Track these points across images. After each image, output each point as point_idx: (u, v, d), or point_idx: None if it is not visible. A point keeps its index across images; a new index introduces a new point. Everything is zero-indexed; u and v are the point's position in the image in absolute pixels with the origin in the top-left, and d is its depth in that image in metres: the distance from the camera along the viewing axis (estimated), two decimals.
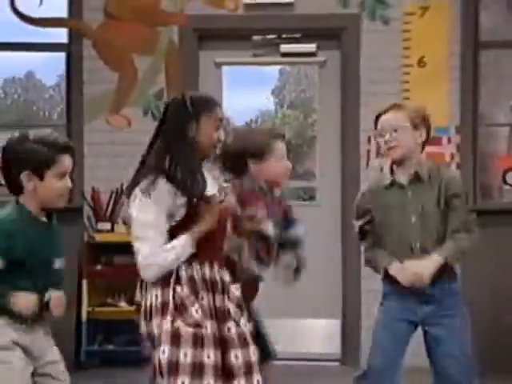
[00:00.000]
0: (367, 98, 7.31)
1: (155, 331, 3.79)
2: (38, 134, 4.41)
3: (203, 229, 3.88)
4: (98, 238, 7.13)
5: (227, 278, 4.02)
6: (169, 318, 3.75)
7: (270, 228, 4.27)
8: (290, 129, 15.34)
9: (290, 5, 7.37)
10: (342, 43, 7.48)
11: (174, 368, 3.73)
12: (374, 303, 4.70)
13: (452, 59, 7.30)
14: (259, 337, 4.34)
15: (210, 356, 3.75)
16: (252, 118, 12.66)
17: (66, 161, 3.77)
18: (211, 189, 4.03)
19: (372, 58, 7.35)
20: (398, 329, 4.47)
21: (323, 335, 7.69)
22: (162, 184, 3.83)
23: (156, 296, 3.81)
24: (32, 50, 8.11)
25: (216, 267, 3.96)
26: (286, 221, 4.56)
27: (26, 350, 3.81)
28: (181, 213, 3.89)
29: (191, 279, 3.86)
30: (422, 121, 4.51)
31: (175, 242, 3.86)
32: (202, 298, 3.85)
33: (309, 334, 7.60)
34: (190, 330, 3.73)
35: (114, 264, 7.25)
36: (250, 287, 4.40)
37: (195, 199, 3.88)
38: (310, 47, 7.56)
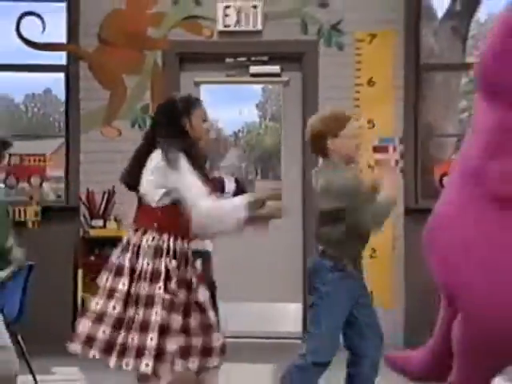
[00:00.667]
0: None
1: (143, 292, 3.85)
2: None
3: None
4: (92, 233, 7.16)
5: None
6: (160, 284, 3.82)
7: None
8: (271, 138, 15.49)
9: (258, 32, 7.45)
10: (302, 65, 7.57)
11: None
12: None
13: (396, 80, 7.40)
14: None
15: (176, 319, 3.83)
16: (239, 129, 12.65)
17: None
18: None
19: (328, 78, 7.42)
20: None
21: (288, 317, 7.66)
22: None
23: (148, 263, 3.87)
24: (35, 71, 8.09)
25: (186, 243, 4.03)
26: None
27: None
28: None
29: (176, 253, 3.93)
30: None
31: (233, 201, 4.04)
32: (179, 269, 3.93)
33: (275, 316, 7.58)
34: (168, 296, 3.81)
35: (105, 256, 7.19)
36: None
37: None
38: (275, 69, 7.65)
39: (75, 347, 3.90)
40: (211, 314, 4.06)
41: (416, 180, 7.31)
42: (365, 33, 7.49)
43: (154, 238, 3.91)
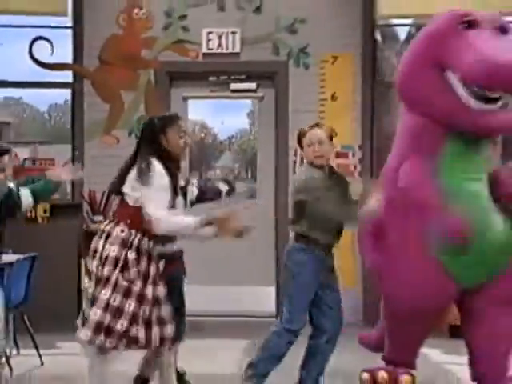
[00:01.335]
0: (294, 124, 7.29)
1: (105, 274, 3.90)
2: None
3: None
4: (93, 227, 6.93)
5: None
6: (117, 270, 3.87)
7: None
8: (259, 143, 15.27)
9: (236, 54, 7.45)
10: (275, 83, 7.57)
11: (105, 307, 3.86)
12: None
13: (355, 95, 7.42)
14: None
15: (131, 305, 3.86)
16: (233, 134, 12.66)
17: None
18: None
19: (297, 93, 7.44)
20: None
21: (262, 299, 7.58)
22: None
23: (113, 250, 3.90)
24: (45, 87, 8.18)
25: (152, 242, 4.04)
26: None
27: None
28: None
29: (140, 249, 3.96)
30: (331, 136, 4.69)
31: (193, 220, 3.93)
32: (139, 263, 3.93)
33: (251, 297, 7.51)
34: (125, 283, 3.86)
35: None
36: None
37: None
38: (252, 86, 7.66)
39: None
40: (166, 307, 4.04)
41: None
42: (328, 55, 7.49)
43: (123, 230, 3.95)
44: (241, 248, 7.02)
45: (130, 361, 4.36)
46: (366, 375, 4.61)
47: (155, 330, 3.97)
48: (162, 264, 4.13)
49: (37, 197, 4.37)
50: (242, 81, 7.71)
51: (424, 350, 4.79)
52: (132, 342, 3.92)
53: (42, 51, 7.57)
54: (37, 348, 5.68)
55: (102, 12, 7.55)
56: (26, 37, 7.62)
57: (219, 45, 7.51)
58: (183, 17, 7.55)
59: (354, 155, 7.50)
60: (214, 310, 7.22)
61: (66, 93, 7.97)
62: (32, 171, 7.73)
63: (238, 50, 7.51)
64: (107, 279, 3.89)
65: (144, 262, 3.96)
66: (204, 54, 7.54)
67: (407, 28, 9.36)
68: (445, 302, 4.47)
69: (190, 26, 7.54)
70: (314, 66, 7.49)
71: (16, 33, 8.21)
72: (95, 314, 3.88)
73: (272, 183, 7.66)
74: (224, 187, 4.84)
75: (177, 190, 4.09)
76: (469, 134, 4.31)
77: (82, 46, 7.61)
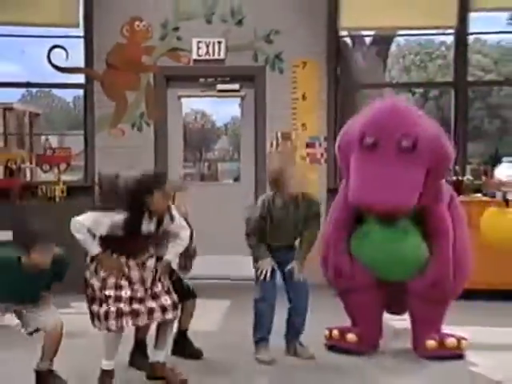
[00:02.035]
0: (270, 119, 7.46)
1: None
2: None
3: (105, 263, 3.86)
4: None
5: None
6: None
7: None
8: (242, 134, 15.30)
9: (222, 60, 7.44)
10: (255, 84, 7.54)
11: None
12: None
13: (321, 95, 7.43)
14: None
15: (126, 293, 3.81)
16: (228, 121, 12.68)
17: None
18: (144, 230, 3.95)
19: (273, 93, 7.44)
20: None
21: (243, 265, 7.57)
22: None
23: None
24: (62, 87, 8.23)
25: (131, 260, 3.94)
26: None
27: None
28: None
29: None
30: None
31: (90, 243, 3.85)
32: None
33: (234, 264, 7.24)
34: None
35: None
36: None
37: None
38: (235, 86, 7.66)
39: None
40: (157, 288, 3.97)
41: (336, 168, 7.23)
42: (299, 61, 7.48)
43: None
44: (226, 223, 7.07)
45: None
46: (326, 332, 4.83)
47: (151, 304, 3.90)
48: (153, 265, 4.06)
49: None
50: (226, 82, 7.70)
51: None
52: (134, 320, 3.84)
53: (59, 57, 7.56)
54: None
55: (109, 24, 7.53)
56: (45, 45, 7.63)
57: (207, 52, 7.50)
58: (176, 28, 7.53)
59: (320, 145, 7.52)
60: (204, 274, 7.23)
61: None
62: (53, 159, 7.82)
63: (223, 56, 7.49)
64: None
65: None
66: (194, 60, 7.53)
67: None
68: (368, 284, 4.62)
69: (183, 36, 7.52)
70: (287, 70, 7.48)
71: (36, 42, 8.18)
72: (96, 307, 3.85)
73: (252, 164, 7.66)
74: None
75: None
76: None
77: (92, 52, 7.60)
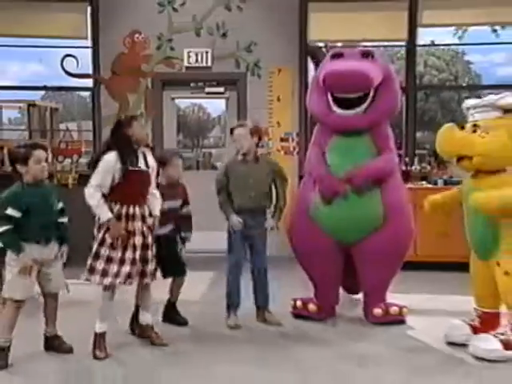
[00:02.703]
0: (251, 117, 7.04)
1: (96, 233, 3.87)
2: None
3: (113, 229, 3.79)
4: None
5: (146, 213, 3.98)
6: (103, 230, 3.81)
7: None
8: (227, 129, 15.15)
9: (209, 67, 7.41)
10: (237, 87, 7.52)
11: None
12: None
13: (294, 97, 7.43)
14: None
15: (118, 254, 3.81)
16: (221, 113, 12.68)
17: (39, 153, 3.68)
18: (141, 165, 3.92)
19: (253, 95, 7.44)
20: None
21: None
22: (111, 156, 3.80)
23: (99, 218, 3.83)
24: (73, 90, 8.23)
25: (137, 207, 3.89)
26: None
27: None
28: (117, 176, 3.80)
29: (118, 215, 3.83)
30: (255, 132, 4.51)
31: (103, 208, 3.78)
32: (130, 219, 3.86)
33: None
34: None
35: None
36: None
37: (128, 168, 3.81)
38: (221, 89, 7.63)
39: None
40: (149, 252, 3.99)
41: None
42: (274, 68, 7.48)
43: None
44: (213, 203, 7.08)
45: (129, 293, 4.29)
46: (292, 302, 4.83)
47: (139, 267, 3.92)
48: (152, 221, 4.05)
49: None
50: (213, 86, 7.66)
51: None
52: (125, 279, 3.85)
53: (71, 65, 7.52)
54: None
55: (113, 36, 7.49)
56: (59, 55, 7.59)
57: (196, 60, 7.46)
58: (170, 40, 7.50)
59: (293, 139, 7.54)
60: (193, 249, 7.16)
61: None
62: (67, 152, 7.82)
63: (210, 64, 7.46)
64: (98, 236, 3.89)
65: (124, 223, 3.85)
66: (186, 67, 7.50)
67: None
68: (326, 249, 4.57)
69: (175, 46, 7.49)
70: (264, 76, 7.48)
71: (51, 52, 8.19)
72: (95, 264, 3.87)
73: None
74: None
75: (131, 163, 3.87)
76: (346, 133, 4.49)
77: (98, 60, 7.58)
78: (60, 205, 3.98)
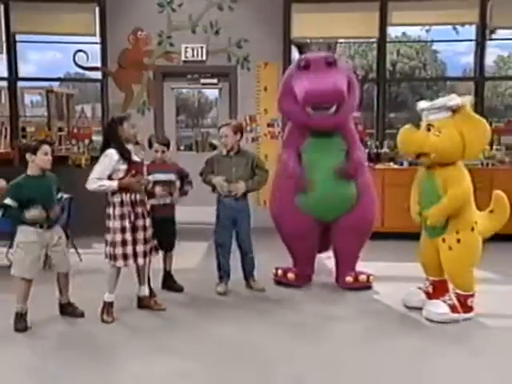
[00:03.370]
0: (241, 105, 7.44)
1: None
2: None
3: (125, 183, 3.83)
4: None
5: (142, 198, 4.00)
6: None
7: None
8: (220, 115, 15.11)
9: (204, 61, 7.37)
10: (229, 79, 7.48)
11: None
12: None
13: (279, 87, 7.26)
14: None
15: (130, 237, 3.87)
16: (216, 97, 12.59)
17: (46, 147, 3.73)
18: (135, 158, 3.96)
19: (242, 86, 7.42)
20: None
21: None
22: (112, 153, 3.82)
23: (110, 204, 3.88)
24: (84, 82, 8.16)
25: (137, 194, 3.93)
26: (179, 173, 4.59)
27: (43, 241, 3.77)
28: (122, 170, 3.84)
29: (122, 202, 3.87)
30: (237, 129, 4.53)
31: (106, 181, 3.80)
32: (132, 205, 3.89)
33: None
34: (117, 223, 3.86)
35: None
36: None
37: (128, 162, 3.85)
38: (214, 81, 7.60)
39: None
40: (148, 232, 4.03)
41: None
42: (261, 62, 7.44)
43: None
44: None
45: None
46: (274, 271, 4.90)
47: (141, 247, 3.96)
48: (147, 208, 4.10)
49: None
50: (208, 77, 7.63)
51: None
52: (125, 259, 3.92)
53: (82, 59, 7.50)
54: (76, 249, 5.67)
55: (118, 33, 7.44)
56: (71, 50, 7.55)
57: (192, 55, 7.42)
58: (169, 37, 7.44)
59: (278, 125, 7.52)
60: (190, 220, 7.17)
61: None
62: (79, 136, 7.82)
63: (204, 58, 7.43)
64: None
65: (127, 208, 3.89)
66: (183, 61, 7.46)
67: None
68: (307, 228, 4.65)
69: (174, 42, 7.44)
70: (253, 69, 7.45)
71: (65, 47, 8.11)
72: (106, 245, 3.94)
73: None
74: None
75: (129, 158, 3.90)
76: (319, 133, 4.50)
77: (106, 55, 7.53)
78: (60, 195, 4.02)
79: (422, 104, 4.02)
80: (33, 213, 3.68)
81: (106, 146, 3.95)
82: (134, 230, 3.92)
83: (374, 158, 7.00)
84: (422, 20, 7.62)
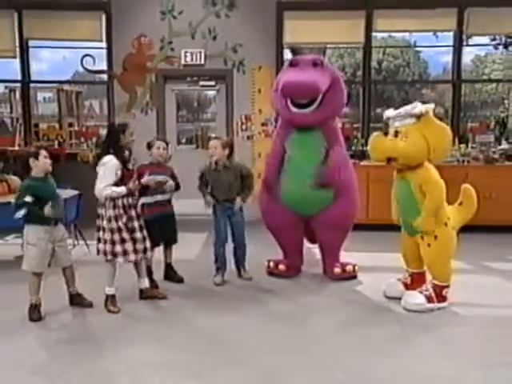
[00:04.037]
0: (237, 105, 7.44)
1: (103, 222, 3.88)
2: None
3: (130, 187, 3.86)
4: None
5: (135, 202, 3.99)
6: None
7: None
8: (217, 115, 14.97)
9: (202, 65, 7.37)
10: (226, 81, 7.48)
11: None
12: None
13: (272, 89, 7.30)
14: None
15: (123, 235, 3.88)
16: (214, 95, 12.52)
17: (46, 152, 3.76)
18: (130, 165, 3.94)
19: (238, 88, 7.42)
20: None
21: None
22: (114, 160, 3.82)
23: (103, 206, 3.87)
24: (91, 84, 8.15)
25: (130, 198, 3.91)
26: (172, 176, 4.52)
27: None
28: (118, 175, 3.82)
29: (114, 205, 3.86)
30: (226, 145, 4.53)
31: (117, 188, 3.81)
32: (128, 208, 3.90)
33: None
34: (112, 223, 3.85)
35: None
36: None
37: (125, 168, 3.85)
38: (212, 83, 7.63)
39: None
40: (144, 232, 4.03)
41: None
42: (256, 65, 7.45)
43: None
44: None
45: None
46: (266, 263, 4.93)
47: (139, 246, 3.96)
48: (139, 210, 4.06)
49: None
50: (206, 80, 7.64)
51: None
52: (124, 255, 3.93)
53: (89, 62, 7.48)
54: (85, 241, 5.72)
55: (123, 39, 7.43)
56: (79, 54, 7.53)
57: (192, 59, 7.42)
58: (170, 42, 7.44)
59: (272, 124, 7.50)
60: (189, 212, 7.16)
61: None
62: (86, 134, 7.82)
63: (203, 62, 7.42)
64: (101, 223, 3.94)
65: (118, 211, 3.89)
66: (183, 65, 7.46)
67: None
68: (289, 223, 4.68)
69: (175, 47, 7.44)
70: (248, 72, 7.45)
71: (73, 51, 8.16)
72: (100, 242, 3.94)
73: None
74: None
75: (126, 165, 3.91)
76: (301, 129, 4.52)
77: (112, 59, 7.52)
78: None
79: (389, 113, 4.04)
80: (47, 210, 3.71)
81: (105, 151, 3.92)
82: (132, 230, 3.94)
83: (360, 156, 7.02)
84: (405, 27, 7.61)
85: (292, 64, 4.54)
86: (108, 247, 3.93)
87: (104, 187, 3.83)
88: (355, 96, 8.29)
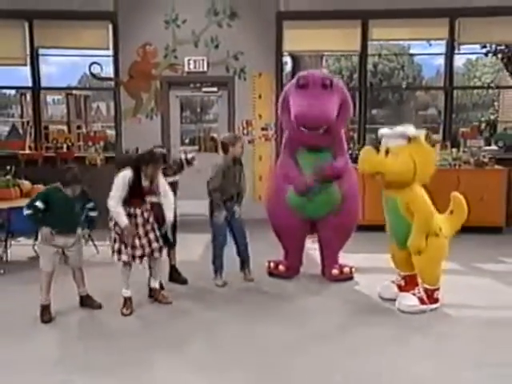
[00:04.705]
0: (238, 111, 7.43)
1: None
2: None
3: (129, 230, 3.84)
4: None
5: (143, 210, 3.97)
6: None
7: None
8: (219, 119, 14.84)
9: (205, 72, 7.35)
10: (227, 88, 7.46)
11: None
12: None
13: (271, 95, 7.35)
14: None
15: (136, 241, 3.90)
16: (219, 96, 12.45)
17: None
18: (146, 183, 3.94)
19: (239, 94, 7.40)
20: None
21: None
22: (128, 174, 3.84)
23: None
24: (99, 90, 8.13)
25: (137, 208, 3.93)
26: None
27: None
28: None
29: (129, 213, 3.88)
30: (228, 146, 4.53)
31: (123, 217, 3.81)
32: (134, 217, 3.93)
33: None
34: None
35: None
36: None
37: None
38: (215, 89, 7.58)
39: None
40: (151, 235, 4.02)
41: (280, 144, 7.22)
42: (256, 72, 7.43)
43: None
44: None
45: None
46: (266, 263, 4.94)
47: (148, 248, 3.98)
48: (148, 214, 4.03)
49: None
50: (208, 86, 7.61)
51: None
52: (137, 257, 3.97)
53: (96, 70, 7.50)
54: (93, 242, 5.54)
55: (129, 48, 7.41)
56: (87, 62, 7.55)
57: (195, 66, 7.40)
58: (174, 50, 7.42)
59: (271, 129, 7.51)
60: (193, 212, 7.09)
61: None
62: (94, 139, 7.82)
63: (205, 69, 7.41)
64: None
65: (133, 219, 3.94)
66: (187, 72, 7.44)
67: None
68: (295, 225, 4.68)
69: (178, 55, 7.42)
70: (249, 78, 7.43)
71: (81, 59, 8.18)
72: (114, 246, 3.95)
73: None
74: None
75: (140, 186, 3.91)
76: (309, 145, 4.52)
77: (118, 66, 7.50)
78: (90, 204, 4.03)
79: (384, 131, 4.07)
80: (45, 233, 3.79)
81: (134, 166, 3.91)
82: (139, 237, 3.96)
83: (356, 158, 7.00)
84: (399, 36, 7.61)
85: (300, 85, 4.36)
86: (118, 246, 3.93)
87: (112, 197, 3.86)
88: (352, 98, 8.27)
